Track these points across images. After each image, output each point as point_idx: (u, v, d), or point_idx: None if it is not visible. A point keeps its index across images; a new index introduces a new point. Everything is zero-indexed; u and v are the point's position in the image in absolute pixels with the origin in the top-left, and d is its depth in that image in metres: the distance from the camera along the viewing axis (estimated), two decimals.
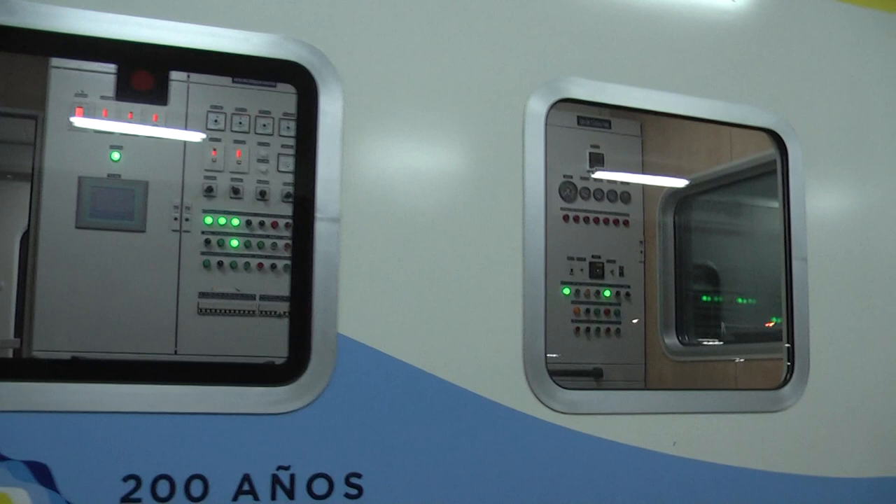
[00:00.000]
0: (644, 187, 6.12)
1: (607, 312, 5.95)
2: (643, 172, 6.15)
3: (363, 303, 3.24)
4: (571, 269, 5.92)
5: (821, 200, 4.07)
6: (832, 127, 4.17)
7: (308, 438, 3.12)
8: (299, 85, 3.25)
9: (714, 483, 3.67)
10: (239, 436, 3.05)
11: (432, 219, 3.37)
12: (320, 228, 3.19)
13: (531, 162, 3.50)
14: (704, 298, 5.87)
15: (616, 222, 6.05)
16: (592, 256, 5.97)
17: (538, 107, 3.55)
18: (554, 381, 3.42)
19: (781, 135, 4.00)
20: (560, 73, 3.62)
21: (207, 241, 5.19)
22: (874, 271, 4.15)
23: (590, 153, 6.05)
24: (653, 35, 3.85)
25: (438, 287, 3.34)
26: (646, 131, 6.14)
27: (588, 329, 5.90)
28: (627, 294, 6.02)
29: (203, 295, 5.11)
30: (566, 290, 5.91)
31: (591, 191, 6.03)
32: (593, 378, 5.72)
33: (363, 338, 3.21)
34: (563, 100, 3.62)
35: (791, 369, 3.90)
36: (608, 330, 5.92)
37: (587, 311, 5.92)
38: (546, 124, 3.54)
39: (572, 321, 5.88)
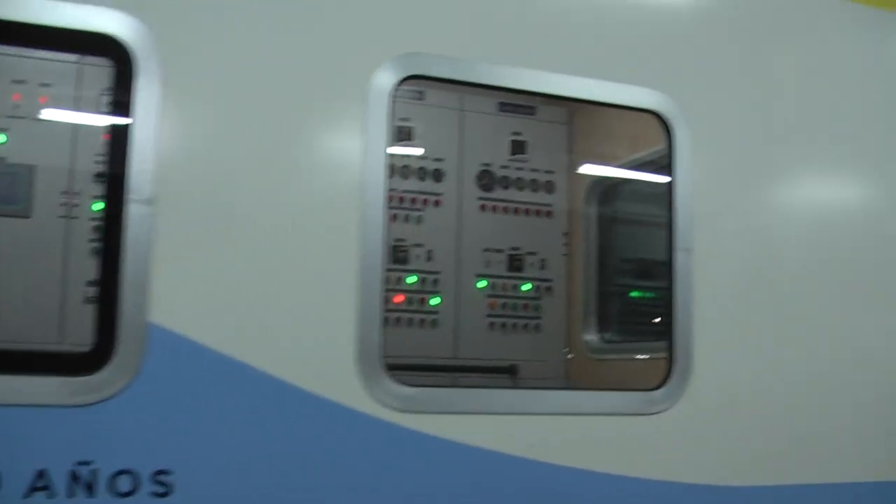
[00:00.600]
0: (570, 176, 5.84)
1: (526, 307, 5.69)
2: (570, 160, 5.87)
3: (179, 290, 3.06)
4: (488, 262, 5.65)
5: (710, 189, 3.80)
6: (728, 113, 3.90)
7: (113, 432, 2.96)
8: (114, 59, 3.07)
9: (573, 489, 3.43)
10: (34, 428, 2.89)
11: (258, 201, 3.18)
12: (132, 210, 3.02)
13: (372, 142, 3.29)
14: (633, 294, 5.59)
15: (538, 213, 5.78)
16: (511, 248, 5.71)
17: (383, 83, 3.33)
18: (391, 376, 3.21)
19: (668, 118, 3.74)
20: (412, 47, 3.40)
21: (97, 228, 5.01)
22: (767, 268, 3.88)
23: (511, 140, 5.80)
24: (524, 8, 3.61)
25: (263, 275, 3.15)
26: (574, 118, 5.86)
27: (504, 324, 5.64)
28: (549, 288, 5.74)
29: (91, 283, 4.93)
30: (481, 284, 5.65)
31: (512, 180, 5.77)
32: (507, 375, 5.48)
33: (178, 327, 3.03)
34: (413, 76, 3.40)
35: (669, 370, 3.65)
36: (525, 326, 5.67)
37: (504, 304, 5.66)
38: (392, 102, 3.32)
39: (487, 316, 5.63)
